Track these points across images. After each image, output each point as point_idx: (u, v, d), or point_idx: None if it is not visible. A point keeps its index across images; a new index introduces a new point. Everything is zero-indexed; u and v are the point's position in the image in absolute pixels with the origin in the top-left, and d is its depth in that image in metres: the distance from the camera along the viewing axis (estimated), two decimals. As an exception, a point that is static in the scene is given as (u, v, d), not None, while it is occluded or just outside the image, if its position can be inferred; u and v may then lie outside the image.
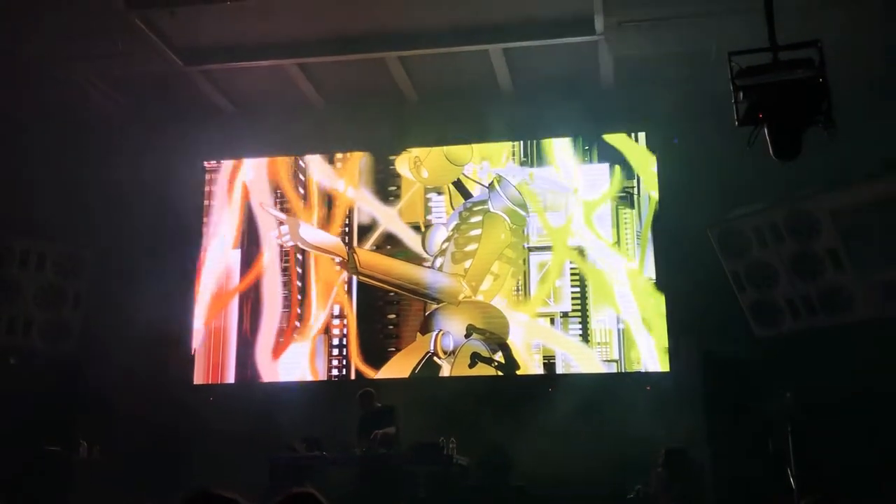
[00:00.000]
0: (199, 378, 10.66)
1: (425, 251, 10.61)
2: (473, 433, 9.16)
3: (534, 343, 10.12)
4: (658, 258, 9.99)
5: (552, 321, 10.18)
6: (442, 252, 10.57)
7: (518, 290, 10.26)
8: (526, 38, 9.43)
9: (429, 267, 10.56)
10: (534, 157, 10.59)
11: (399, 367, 10.36)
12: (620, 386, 9.68)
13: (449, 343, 10.25)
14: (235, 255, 10.96)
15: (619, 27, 8.98)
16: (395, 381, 10.16)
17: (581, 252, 10.21)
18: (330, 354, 10.54)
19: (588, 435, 9.01)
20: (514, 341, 10.12)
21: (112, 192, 10.09)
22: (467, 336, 10.23)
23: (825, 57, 4.66)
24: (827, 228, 8.63)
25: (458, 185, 10.74)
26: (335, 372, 10.49)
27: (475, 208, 10.63)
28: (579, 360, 10.02)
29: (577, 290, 10.17)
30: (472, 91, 10.32)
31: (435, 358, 10.27)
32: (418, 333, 10.40)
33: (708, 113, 9.17)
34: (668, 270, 9.90)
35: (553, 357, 10.05)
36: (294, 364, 10.53)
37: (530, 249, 10.34)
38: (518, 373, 10.08)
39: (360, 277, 10.62)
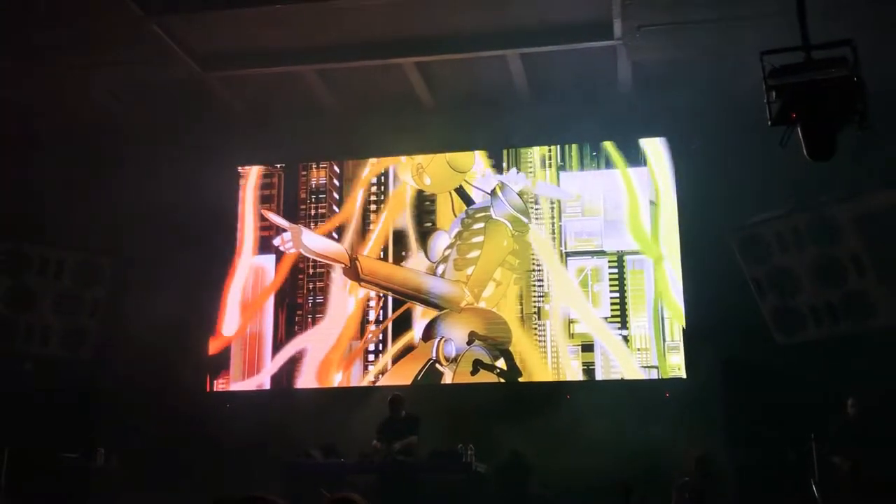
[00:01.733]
0: (234, 383, 10.59)
1: (427, 258, 10.56)
2: (490, 440, 9.09)
3: (570, 349, 10.03)
4: (679, 263, 9.91)
5: (592, 326, 10.12)
6: (444, 259, 10.52)
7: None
8: (544, 44, 9.37)
9: (431, 274, 10.52)
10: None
11: (401, 375, 10.30)
12: (639, 393, 9.61)
13: (451, 350, 10.19)
14: (269, 261, 10.92)
15: (638, 32, 8.92)
16: (415, 388, 10.08)
17: (620, 257, 10.13)
18: (366, 360, 10.50)
19: (607, 442, 8.90)
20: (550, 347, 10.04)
21: (131, 199, 10.07)
22: (469, 343, 10.16)
23: (859, 56, 4.58)
24: (850, 234, 8.56)
25: (461, 191, 10.70)
26: (371, 378, 10.42)
27: (477, 215, 10.58)
28: (620, 361, 9.91)
29: (616, 295, 10.08)
30: (489, 97, 10.28)
31: (437, 365, 10.20)
32: (420, 340, 10.35)
33: (728, 117, 9.14)
34: (688, 276, 9.81)
35: (592, 363, 9.93)
36: (327, 370, 10.47)
37: (568, 254, 10.27)
38: (536, 379, 10.00)
39: (363, 284, 10.58)
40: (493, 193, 10.57)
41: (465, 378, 10.04)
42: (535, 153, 10.58)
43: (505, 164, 10.61)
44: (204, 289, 10.68)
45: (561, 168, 10.48)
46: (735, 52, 8.92)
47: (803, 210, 8.86)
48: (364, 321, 10.55)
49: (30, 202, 9.87)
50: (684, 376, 9.62)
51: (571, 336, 10.03)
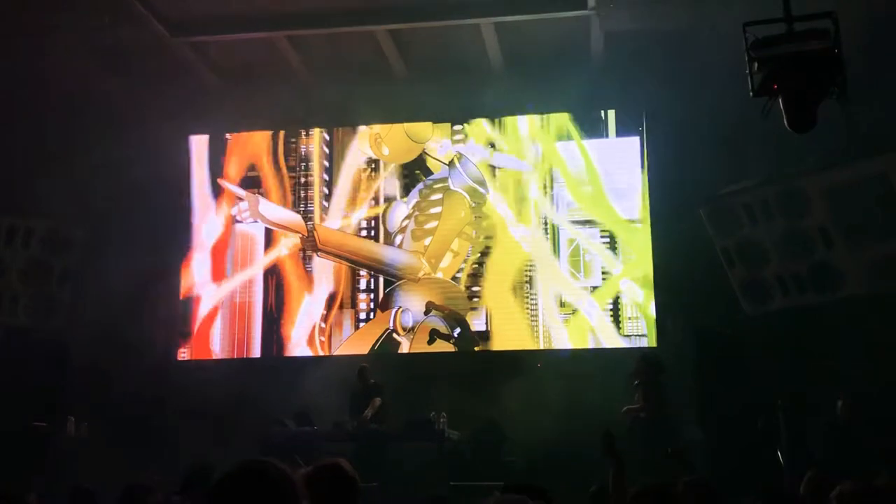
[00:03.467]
0: (222, 353, 10.55)
1: (386, 228, 10.57)
2: (462, 409, 9.15)
3: (560, 317, 10.03)
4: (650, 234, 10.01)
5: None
6: (402, 229, 10.55)
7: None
8: (517, 13, 9.35)
9: (389, 244, 10.52)
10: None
11: (358, 344, 10.33)
12: (609, 360, 9.69)
13: (408, 320, 10.25)
14: (259, 229, 10.84)
15: (612, 2, 8.91)
16: (388, 356, 10.11)
17: (612, 228, 10.13)
18: (356, 328, 10.49)
19: (576, 409, 8.99)
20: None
21: (98, 165, 9.92)
22: (426, 313, 10.22)
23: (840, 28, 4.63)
24: (818, 206, 8.67)
25: (419, 162, 10.69)
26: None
27: (435, 186, 10.60)
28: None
29: (608, 264, 10.10)
30: (462, 66, 10.24)
31: (394, 334, 10.26)
32: (378, 310, 10.38)
33: (700, 89, 9.17)
34: (658, 247, 9.90)
35: (584, 332, 9.96)
36: (316, 338, 10.47)
37: (559, 224, 10.23)
38: (502, 348, 10.06)
39: (321, 254, 10.57)
40: (450, 164, 10.56)
41: (423, 347, 10.10)
42: (525, 122, 10.51)
43: (496, 134, 10.53)
44: (174, 256, 10.60)
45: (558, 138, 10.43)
46: (708, 23, 8.97)
47: (773, 182, 8.94)
48: (354, 289, 10.55)
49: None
50: (654, 345, 9.73)
51: (562, 305, 10.08)
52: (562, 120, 10.48)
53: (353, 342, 10.36)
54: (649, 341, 9.83)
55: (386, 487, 7.94)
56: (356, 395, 9.06)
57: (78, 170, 9.84)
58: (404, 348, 10.22)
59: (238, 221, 10.83)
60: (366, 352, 10.20)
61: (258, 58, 10.26)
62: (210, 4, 9.31)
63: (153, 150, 10.14)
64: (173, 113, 10.42)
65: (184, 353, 10.58)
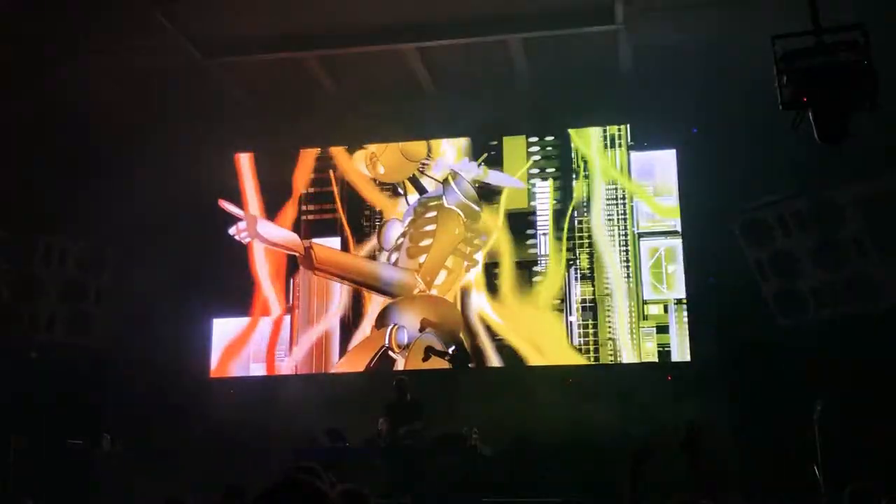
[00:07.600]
0: (304, 368, 10.54)
1: (381, 246, 10.62)
2: (495, 424, 9.14)
3: (644, 329, 9.92)
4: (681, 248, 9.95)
5: (665, 308, 9.88)
6: (397, 247, 10.58)
7: (629, 276, 10.00)
8: (545, 28, 9.37)
9: (384, 262, 10.58)
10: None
11: (354, 362, 10.36)
12: (642, 376, 9.65)
13: (403, 337, 10.25)
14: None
15: (641, 16, 8.92)
16: (420, 372, 10.12)
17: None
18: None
19: (609, 425, 8.98)
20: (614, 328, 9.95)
21: (131, 186, 10.05)
22: (421, 330, 10.23)
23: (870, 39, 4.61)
24: (851, 217, 8.60)
25: (414, 180, 10.74)
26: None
27: (430, 203, 10.63)
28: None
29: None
30: (490, 82, 10.27)
31: (389, 352, 10.26)
32: (373, 328, 10.41)
33: (729, 101, 9.15)
34: (691, 259, 9.84)
35: (668, 345, 9.74)
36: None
37: (640, 235, 10.08)
38: (537, 363, 10.02)
39: (317, 273, 10.63)
40: (445, 182, 10.60)
41: (418, 364, 10.08)
42: (599, 133, 10.41)
43: (573, 145, 10.44)
44: (213, 275, 10.72)
45: (631, 147, 10.32)
46: (737, 36, 8.95)
47: (806, 193, 8.89)
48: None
49: (33, 191, 9.87)
50: (688, 359, 9.65)
51: (645, 318, 9.91)
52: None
53: (349, 360, 10.39)
54: (681, 355, 9.73)
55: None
56: (391, 406, 9.06)
57: (113, 190, 9.99)
58: (399, 366, 10.22)
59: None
60: (361, 369, 10.24)
61: (289, 78, 10.35)
62: (240, 26, 9.42)
63: (185, 169, 10.25)
64: (205, 133, 10.54)
65: (216, 371, 10.66)
